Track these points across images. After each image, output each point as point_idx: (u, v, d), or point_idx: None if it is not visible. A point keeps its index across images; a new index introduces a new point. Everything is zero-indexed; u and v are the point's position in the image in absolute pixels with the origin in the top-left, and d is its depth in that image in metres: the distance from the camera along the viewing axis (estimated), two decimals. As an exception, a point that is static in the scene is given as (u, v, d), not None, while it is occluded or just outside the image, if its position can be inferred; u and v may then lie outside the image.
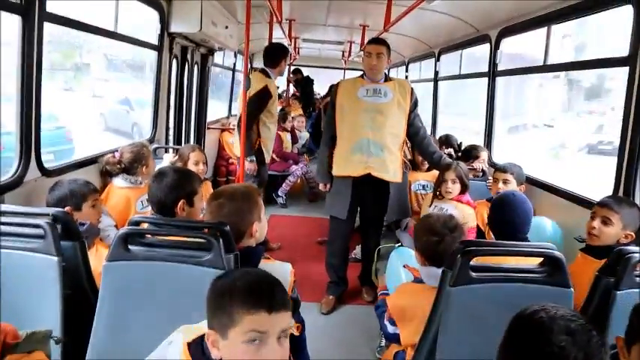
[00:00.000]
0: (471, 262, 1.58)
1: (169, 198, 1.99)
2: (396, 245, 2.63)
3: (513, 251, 1.67)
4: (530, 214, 2.21)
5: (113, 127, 11.71)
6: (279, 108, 5.67)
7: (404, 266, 2.16)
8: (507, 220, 2.19)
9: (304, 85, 9.80)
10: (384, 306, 2.12)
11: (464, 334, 1.61)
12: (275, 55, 4.27)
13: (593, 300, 1.71)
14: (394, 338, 2.06)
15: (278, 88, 4.60)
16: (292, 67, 9.42)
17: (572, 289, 1.61)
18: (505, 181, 3.13)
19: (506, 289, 1.58)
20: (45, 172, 2.45)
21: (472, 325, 1.59)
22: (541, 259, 1.69)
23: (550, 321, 1.10)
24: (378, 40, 3.46)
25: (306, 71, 10.18)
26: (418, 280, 2.06)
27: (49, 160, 2.54)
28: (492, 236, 2.29)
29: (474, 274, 1.57)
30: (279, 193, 6.26)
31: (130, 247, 1.70)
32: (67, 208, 2.15)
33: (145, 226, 1.84)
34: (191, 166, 3.20)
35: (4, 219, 1.73)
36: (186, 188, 2.02)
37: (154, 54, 3.92)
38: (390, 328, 2.05)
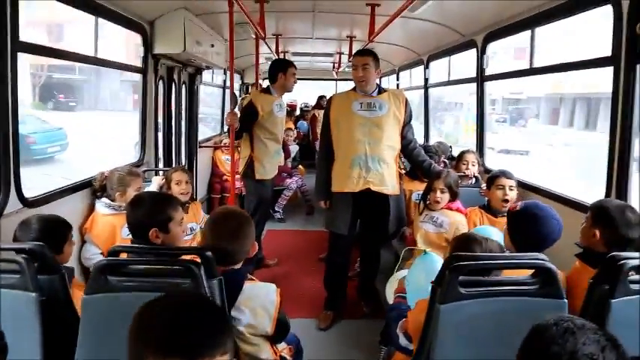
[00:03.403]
0: (460, 277, 1.53)
1: (143, 225, 1.95)
2: (424, 250, 2.58)
3: (502, 264, 1.61)
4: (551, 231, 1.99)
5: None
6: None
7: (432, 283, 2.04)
8: (531, 234, 1.97)
9: None
10: (400, 310, 2.05)
11: (456, 351, 1.55)
12: (271, 70, 4.28)
13: (589, 309, 1.66)
14: (404, 350, 1.98)
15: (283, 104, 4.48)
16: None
17: (565, 300, 1.56)
18: (511, 188, 3.07)
19: (498, 303, 1.52)
20: (26, 203, 2.37)
21: (464, 342, 1.54)
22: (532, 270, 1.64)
23: (580, 330, 1.02)
24: (362, 52, 3.42)
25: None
26: None
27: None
28: None
29: (463, 290, 1.52)
30: (276, 207, 6.21)
31: (109, 277, 1.65)
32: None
33: (125, 255, 1.80)
34: (174, 186, 3.15)
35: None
36: (157, 217, 1.96)
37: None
38: (403, 342, 1.96)
